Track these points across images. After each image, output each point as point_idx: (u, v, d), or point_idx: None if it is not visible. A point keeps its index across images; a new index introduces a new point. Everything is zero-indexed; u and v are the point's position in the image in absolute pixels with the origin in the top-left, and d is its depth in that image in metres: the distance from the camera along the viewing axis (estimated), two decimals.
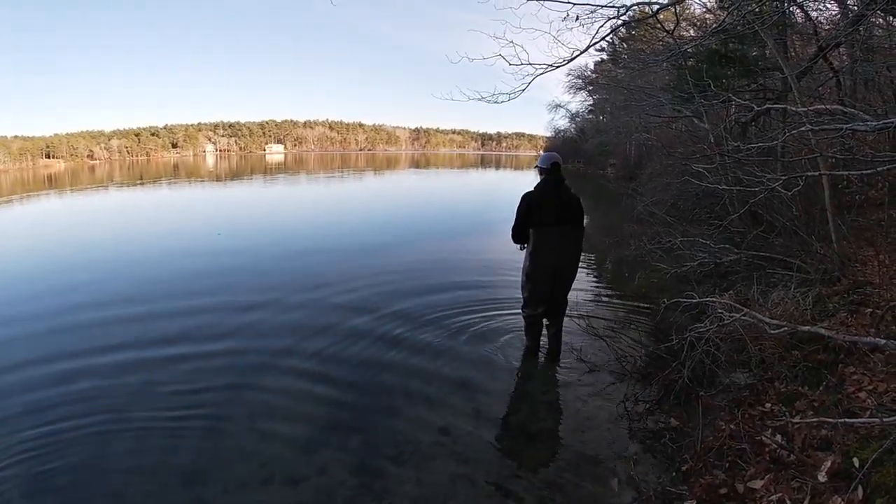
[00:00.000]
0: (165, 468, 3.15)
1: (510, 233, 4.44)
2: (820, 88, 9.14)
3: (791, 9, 8.33)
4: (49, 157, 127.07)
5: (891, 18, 7.33)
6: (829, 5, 8.88)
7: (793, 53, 9.49)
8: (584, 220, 4.44)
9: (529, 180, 4.74)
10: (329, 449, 3.33)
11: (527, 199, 4.28)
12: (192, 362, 4.65)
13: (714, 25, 9.18)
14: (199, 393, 4.09)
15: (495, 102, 5.92)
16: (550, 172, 4.33)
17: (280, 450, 3.33)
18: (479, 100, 5.95)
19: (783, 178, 4.79)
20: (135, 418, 3.68)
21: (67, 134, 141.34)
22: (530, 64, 5.41)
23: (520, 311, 4.73)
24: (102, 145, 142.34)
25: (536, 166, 4.48)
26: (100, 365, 4.59)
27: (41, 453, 3.27)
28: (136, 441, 3.44)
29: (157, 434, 3.52)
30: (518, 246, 4.53)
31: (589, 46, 5.54)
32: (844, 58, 8.67)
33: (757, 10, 6.67)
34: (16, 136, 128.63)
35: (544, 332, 4.73)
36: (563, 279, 4.43)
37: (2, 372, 4.45)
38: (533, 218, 4.24)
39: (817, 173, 4.83)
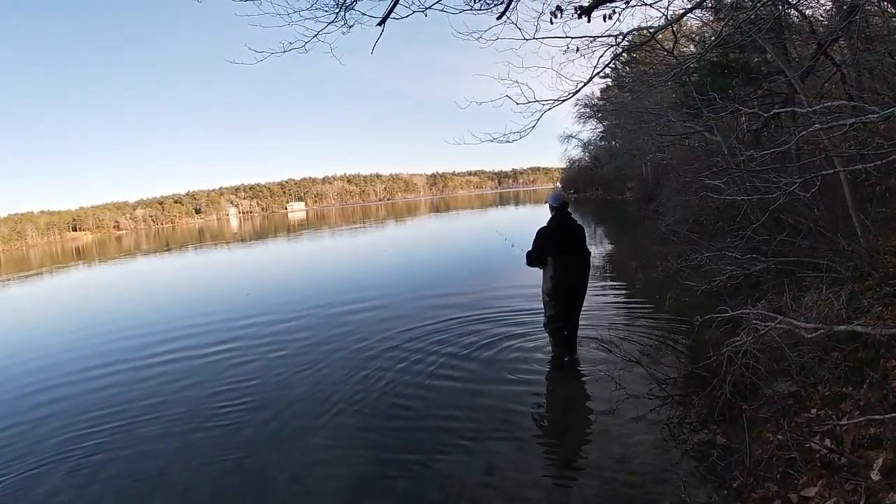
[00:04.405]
0: None
1: (525, 257, 5.16)
2: (826, 84, 9.11)
3: (786, 11, 8.40)
4: (76, 230, 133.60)
5: (885, 4, 7.34)
6: (822, 1, 8.96)
7: (794, 54, 9.52)
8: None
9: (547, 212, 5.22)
10: (373, 498, 3.35)
11: (542, 232, 5.12)
12: (228, 410, 4.94)
13: (712, 38, 9.29)
14: (236, 443, 4.26)
15: (507, 142, 6.06)
16: (560, 210, 5.17)
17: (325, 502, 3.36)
18: (491, 141, 6.09)
19: (799, 180, 4.77)
20: (173, 473, 3.73)
21: (93, 206, 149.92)
22: (537, 101, 5.54)
23: (542, 328, 5.45)
24: (128, 215, 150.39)
25: (548, 203, 5.29)
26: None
27: None
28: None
29: (200, 488, 3.66)
30: (527, 265, 5.20)
31: (592, 77, 5.63)
32: (845, 51, 8.64)
33: (752, 16, 6.75)
34: (42, 211, 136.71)
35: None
36: (578, 296, 5.22)
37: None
38: (549, 247, 5.04)
39: (832, 171, 4.81)
